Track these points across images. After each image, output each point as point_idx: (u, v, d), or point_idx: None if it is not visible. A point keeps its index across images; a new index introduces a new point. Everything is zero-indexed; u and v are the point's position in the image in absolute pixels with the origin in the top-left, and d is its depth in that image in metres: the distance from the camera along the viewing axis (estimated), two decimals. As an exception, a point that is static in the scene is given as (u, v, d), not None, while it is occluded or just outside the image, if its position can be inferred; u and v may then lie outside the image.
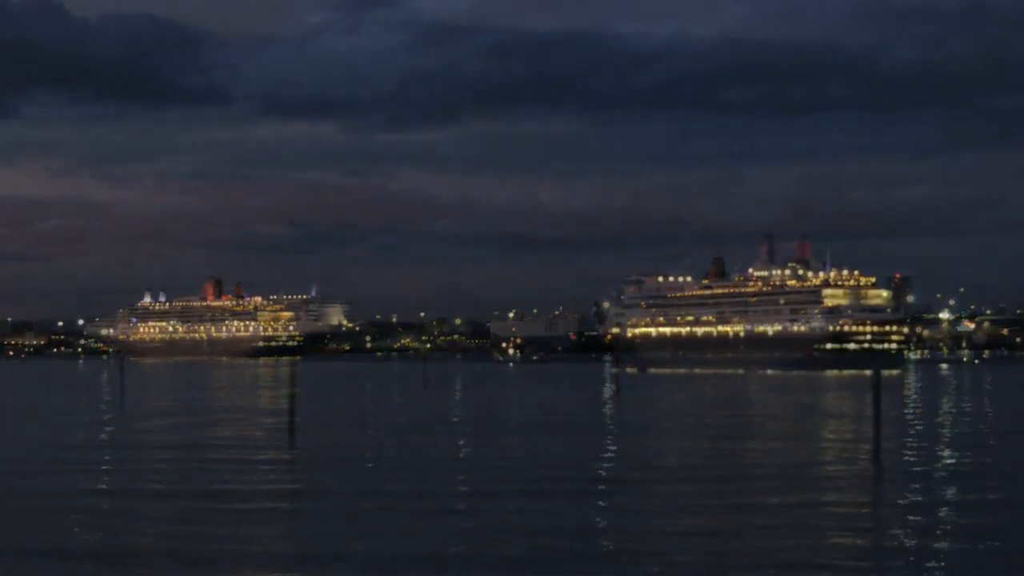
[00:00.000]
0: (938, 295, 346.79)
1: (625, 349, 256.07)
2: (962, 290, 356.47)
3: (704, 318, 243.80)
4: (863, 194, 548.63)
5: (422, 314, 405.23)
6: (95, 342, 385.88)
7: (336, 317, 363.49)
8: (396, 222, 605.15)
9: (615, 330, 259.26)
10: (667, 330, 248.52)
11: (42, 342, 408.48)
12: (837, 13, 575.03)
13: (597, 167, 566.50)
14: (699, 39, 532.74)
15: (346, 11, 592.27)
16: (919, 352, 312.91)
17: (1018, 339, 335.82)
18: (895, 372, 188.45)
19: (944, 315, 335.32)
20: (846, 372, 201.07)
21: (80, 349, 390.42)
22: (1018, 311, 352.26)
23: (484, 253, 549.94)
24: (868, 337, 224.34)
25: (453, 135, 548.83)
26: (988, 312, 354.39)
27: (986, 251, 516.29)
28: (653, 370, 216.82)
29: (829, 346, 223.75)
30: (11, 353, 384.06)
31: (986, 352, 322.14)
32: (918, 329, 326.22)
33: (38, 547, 25.21)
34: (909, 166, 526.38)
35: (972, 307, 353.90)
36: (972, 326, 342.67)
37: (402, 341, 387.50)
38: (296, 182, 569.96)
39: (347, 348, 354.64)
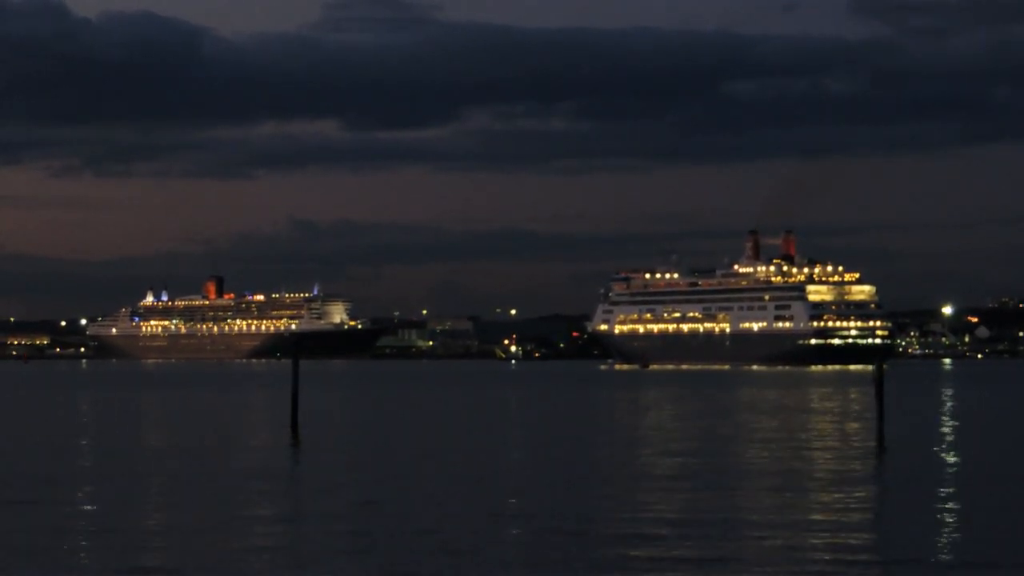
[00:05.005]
0: (939, 290, 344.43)
1: (614, 346, 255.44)
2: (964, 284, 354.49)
3: (690, 314, 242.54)
4: (863, 188, 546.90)
5: (424, 311, 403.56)
6: (94, 342, 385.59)
7: (338, 315, 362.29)
8: (397, 220, 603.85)
9: (603, 327, 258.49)
10: (654, 327, 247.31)
11: (45, 342, 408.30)
12: (838, 6, 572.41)
13: (597, 163, 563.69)
14: (698, 33, 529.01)
15: (347, 8, 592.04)
16: (917, 348, 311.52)
17: (1021, 333, 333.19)
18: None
19: (946, 310, 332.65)
20: (830, 367, 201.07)
21: (84, 348, 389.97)
22: (1021, 304, 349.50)
23: (486, 250, 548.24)
24: (852, 333, 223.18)
25: (454, 132, 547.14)
26: (991, 306, 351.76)
27: (987, 244, 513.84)
28: (655, 366, 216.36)
29: (813, 342, 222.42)
30: (14, 353, 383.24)
31: (987, 348, 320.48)
32: (922, 324, 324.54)
33: None
34: (910, 161, 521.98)
35: (974, 301, 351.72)
36: (975, 320, 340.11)
37: (406, 339, 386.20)
38: (297, 179, 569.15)
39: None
